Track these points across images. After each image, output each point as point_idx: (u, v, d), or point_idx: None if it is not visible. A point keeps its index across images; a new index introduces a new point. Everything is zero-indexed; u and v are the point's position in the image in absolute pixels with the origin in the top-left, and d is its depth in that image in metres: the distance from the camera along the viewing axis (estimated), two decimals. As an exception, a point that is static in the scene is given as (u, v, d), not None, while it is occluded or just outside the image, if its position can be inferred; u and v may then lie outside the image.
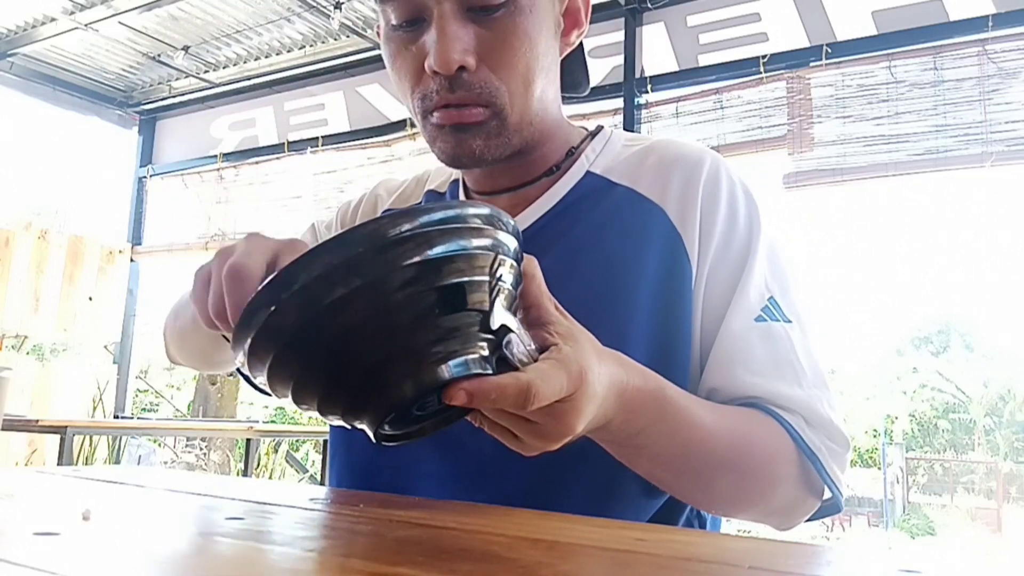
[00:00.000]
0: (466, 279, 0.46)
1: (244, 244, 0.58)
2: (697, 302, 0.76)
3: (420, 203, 0.92)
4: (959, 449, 20.55)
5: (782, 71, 3.27)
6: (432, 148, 0.77)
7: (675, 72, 3.52)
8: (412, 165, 4.08)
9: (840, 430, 0.73)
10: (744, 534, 0.61)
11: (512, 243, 0.50)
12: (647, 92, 3.56)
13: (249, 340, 0.46)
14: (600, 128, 0.88)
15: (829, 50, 3.15)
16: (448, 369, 0.47)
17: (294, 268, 0.44)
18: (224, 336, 0.59)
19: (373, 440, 0.50)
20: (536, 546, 0.41)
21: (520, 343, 0.49)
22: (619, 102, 3.58)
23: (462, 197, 0.88)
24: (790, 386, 0.72)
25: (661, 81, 3.53)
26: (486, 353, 0.48)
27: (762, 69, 3.28)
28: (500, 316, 0.48)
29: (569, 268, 0.77)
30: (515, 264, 0.50)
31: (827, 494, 0.75)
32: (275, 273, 0.45)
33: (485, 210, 0.49)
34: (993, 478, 16.24)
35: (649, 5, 3.54)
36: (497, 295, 0.48)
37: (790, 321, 0.76)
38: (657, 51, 3.56)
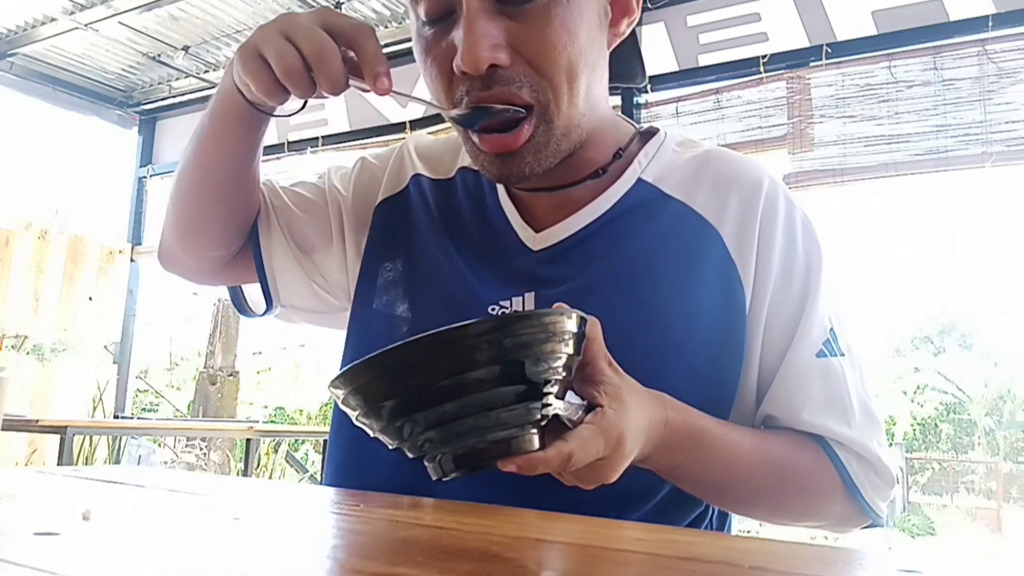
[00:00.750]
0: (538, 378, 0.52)
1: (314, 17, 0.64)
2: (756, 333, 0.74)
3: (449, 181, 0.86)
4: (959, 449, 20.54)
5: (782, 71, 3.27)
6: (475, 162, 0.73)
7: (675, 72, 3.52)
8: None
9: (887, 467, 0.75)
10: (744, 534, 0.61)
11: (575, 329, 0.55)
12: (647, 92, 3.56)
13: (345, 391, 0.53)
14: (652, 129, 0.84)
15: (829, 50, 3.15)
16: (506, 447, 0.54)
17: (402, 356, 0.50)
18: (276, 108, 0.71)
19: (433, 477, 0.55)
20: (536, 546, 0.41)
21: (569, 406, 0.56)
22: (618, 101, 3.57)
23: (500, 187, 0.82)
24: (841, 425, 0.74)
25: (661, 81, 3.53)
26: (536, 429, 0.55)
27: (762, 69, 3.28)
28: (556, 405, 0.55)
29: (621, 282, 0.75)
30: (578, 348, 0.56)
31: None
32: (386, 351, 0.50)
33: (569, 323, 0.54)
34: (993, 478, 16.23)
35: (649, 5, 3.54)
36: (557, 385, 0.54)
37: (843, 354, 0.76)
38: (657, 51, 3.56)
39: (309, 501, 0.55)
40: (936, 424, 21.42)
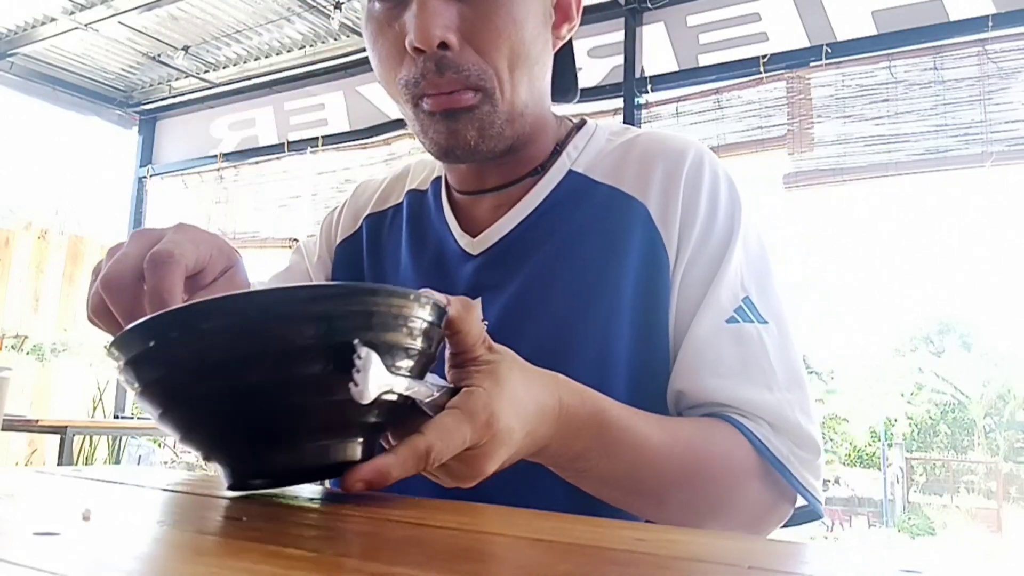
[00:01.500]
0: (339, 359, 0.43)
1: (127, 244, 0.56)
2: (672, 299, 0.74)
3: (396, 207, 0.90)
4: (959, 449, 20.55)
5: (782, 71, 3.27)
6: (422, 140, 0.74)
7: (675, 72, 3.52)
8: (412, 165, 4.07)
9: (810, 435, 0.71)
10: (744, 533, 0.61)
11: (427, 317, 0.48)
12: (647, 92, 3.56)
13: (123, 361, 0.46)
14: (584, 122, 0.85)
15: (829, 50, 3.15)
16: (328, 453, 0.47)
17: (180, 316, 0.43)
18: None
19: (226, 483, 0.50)
20: (536, 546, 0.41)
21: (429, 389, 0.49)
22: (619, 102, 3.58)
23: (444, 196, 0.85)
24: (758, 390, 0.70)
25: (661, 81, 3.53)
26: (363, 433, 0.48)
27: (762, 69, 3.28)
28: (409, 388, 0.47)
29: (551, 275, 0.76)
30: (428, 342, 0.49)
31: (801, 501, 0.73)
32: (167, 310, 0.45)
33: (417, 308, 0.47)
34: (993, 478, 16.24)
35: (649, 5, 3.54)
36: (368, 369, 0.44)
37: (766, 322, 0.74)
38: (657, 51, 3.56)
39: (308, 501, 0.55)
40: (936, 424, 21.43)
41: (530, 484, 0.67)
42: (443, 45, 0.68)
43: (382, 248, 0.89)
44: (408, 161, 0.97)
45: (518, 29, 0.70)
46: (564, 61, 0.84)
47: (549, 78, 0.79)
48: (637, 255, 0.75)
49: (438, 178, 0.88)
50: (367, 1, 0.73)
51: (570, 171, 0.81)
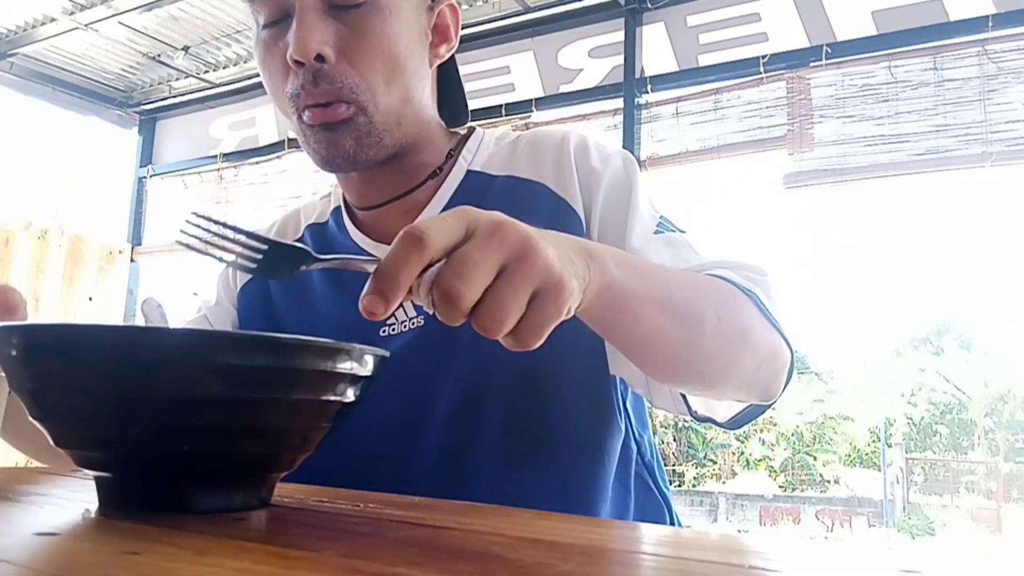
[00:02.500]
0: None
1: None
2: (592, 238, 0.79)
3: (299, 241, 0.93)
4: (959, 449, 20.54)
5: (782, 71, 3.27)
6: (307, 151, 0.79)
7: (675, 72, 3.52)
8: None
9: (749, 263, 0.76)
10: (744, 533, 0.61)
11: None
12: (647, 92, 3.56)
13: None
14: (472, 129, 0.93)
15: (829, 50, 3.15)
16: None
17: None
18: None
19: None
20: (536, 546, 0.41)
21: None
22: (619, 102, 3.57)
23: (347, 220, 0.90)
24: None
25: (661, 81, 3.53)
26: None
27: (762, 69, 3.28)
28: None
29: None
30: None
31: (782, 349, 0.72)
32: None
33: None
34: (993, 478, 16.24)
35: (649, 5, 3.54)
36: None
37: (684, 231, 0.82)
38: (657, 51, 3.56)
39: (308, 500, 0.55)
40: (936, 424, 21.42)
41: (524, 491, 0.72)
42: (319, 58, 0.73)
43: (291, 285, 0.91)
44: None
45: (391, 44, 0.76)
46: (451, 86, 0.90)
47: (429, 92, 0.85)
48: (545, 221, 0.75)
49: (336, 208, 0.93)
50: (256, 29, 0.79)
51: (468, 171, 0.87)
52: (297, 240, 0.94)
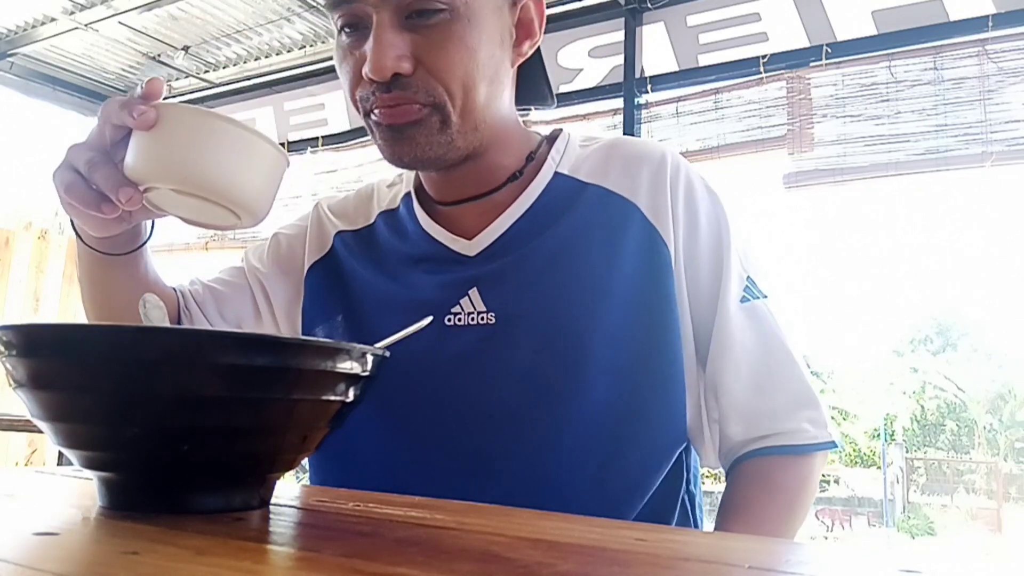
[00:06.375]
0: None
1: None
2: (679, 285, 0.81)
3: (370, 228, 0.92)
4: (959, 449, 20.54)
5: (782, 71, 3.27)
6: (379, 148, 0.79)
7: (675, 72, 3.52)
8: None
9: (810, 396, 0.82)
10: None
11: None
12: (647, 92, 3.55)
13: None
14: (558, 131, 0.91)
15: (829, 50, 3.15)
16: None
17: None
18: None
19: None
20: (536, 546, 0.41)
21: None
22: (619, 102, 3.57)
23: (418, 210, 0.88)
24: (765, 397, 0.80)
25: (661, 81, 3.53)
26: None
27: (762, 69, 3.28)
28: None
29: (551, 272, 0.80)
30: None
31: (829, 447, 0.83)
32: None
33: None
34: (993, 478, 16.23)
35: (649, 5, 3.54)
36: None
37: (767, 296, 0.83)
38: (657, 51, 3.56)
39: (307, 500, 0.55)
40: (936, 424, 21.42)
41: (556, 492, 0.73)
42: (396, 74, 0.72)
43: (359, 264, 0.90)
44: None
45: (472, 54, 0.74)
46: (534, 71, 0.89)
47: (509, 94, 0.83)
48: (634, 245, 0.80)
49: (408, 194, 0.91)
50: (336, 32, 0.80)
51: (556, 173, 0.85)
52: (368, 227, 0.93)
